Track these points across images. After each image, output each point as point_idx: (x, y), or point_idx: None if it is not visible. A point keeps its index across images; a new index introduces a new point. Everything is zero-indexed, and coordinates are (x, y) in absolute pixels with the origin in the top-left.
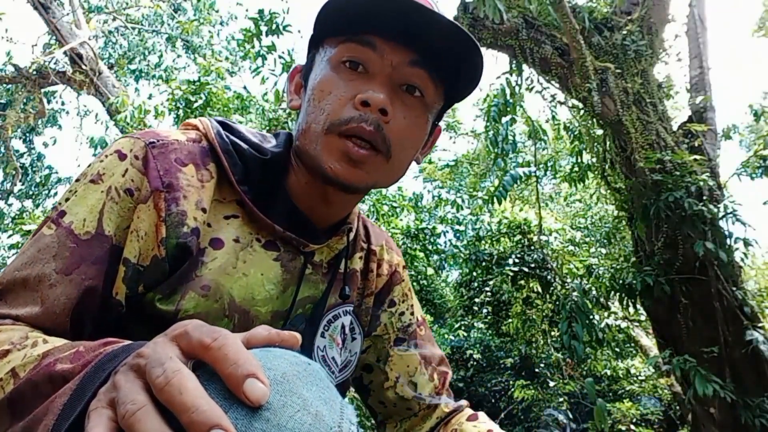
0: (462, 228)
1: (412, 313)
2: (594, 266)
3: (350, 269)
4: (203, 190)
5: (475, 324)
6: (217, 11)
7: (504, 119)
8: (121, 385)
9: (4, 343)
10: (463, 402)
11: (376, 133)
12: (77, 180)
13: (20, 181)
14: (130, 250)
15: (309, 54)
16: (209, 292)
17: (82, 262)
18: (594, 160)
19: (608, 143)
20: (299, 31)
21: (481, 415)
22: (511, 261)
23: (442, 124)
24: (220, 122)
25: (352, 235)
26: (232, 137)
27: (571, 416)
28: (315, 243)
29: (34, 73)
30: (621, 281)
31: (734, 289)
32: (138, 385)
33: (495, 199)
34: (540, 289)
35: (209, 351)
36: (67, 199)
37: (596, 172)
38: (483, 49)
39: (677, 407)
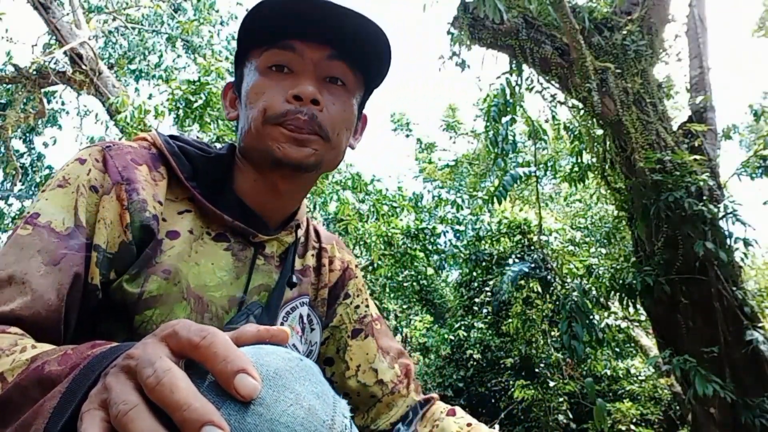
0: (462, 228)
1: (367, 306)
2: (594, 266)
3: (304, 266)
4: (157, 187)
5: (475, 324)
6: (217, 11)
7: (504, 119)
8: (113, 386)
9: None
10: (434, 395)
11: (312, 122)
12: (42, 191)
13: (20, 181)
14: (99, 237)
15: (237, 70)
16: (170, 276)
17: (68, 252)
18: (594, 160)
19: (608, 143)
20: None
21: (458, 409)
22: (511, 261)
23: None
24: (169, 135)
25: (301, 232)
26: (178, 143)
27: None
28: (264, 234)
29: (34, 73)
30: (621, 281)
31: (734, 289)
32: (129, 386)
33: (495, 199)
34: (540, 289)
35: (198, 349)
36: (36, 206)
37: (596, 172)
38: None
39: (677, 407)
